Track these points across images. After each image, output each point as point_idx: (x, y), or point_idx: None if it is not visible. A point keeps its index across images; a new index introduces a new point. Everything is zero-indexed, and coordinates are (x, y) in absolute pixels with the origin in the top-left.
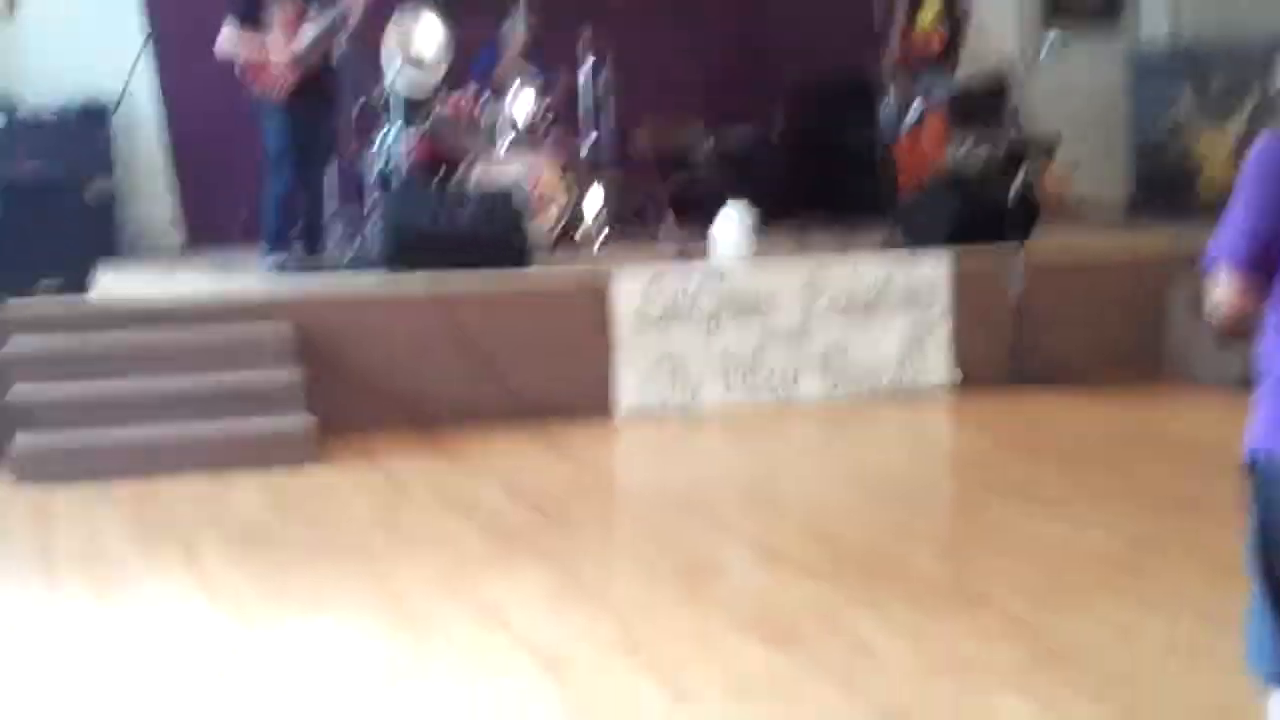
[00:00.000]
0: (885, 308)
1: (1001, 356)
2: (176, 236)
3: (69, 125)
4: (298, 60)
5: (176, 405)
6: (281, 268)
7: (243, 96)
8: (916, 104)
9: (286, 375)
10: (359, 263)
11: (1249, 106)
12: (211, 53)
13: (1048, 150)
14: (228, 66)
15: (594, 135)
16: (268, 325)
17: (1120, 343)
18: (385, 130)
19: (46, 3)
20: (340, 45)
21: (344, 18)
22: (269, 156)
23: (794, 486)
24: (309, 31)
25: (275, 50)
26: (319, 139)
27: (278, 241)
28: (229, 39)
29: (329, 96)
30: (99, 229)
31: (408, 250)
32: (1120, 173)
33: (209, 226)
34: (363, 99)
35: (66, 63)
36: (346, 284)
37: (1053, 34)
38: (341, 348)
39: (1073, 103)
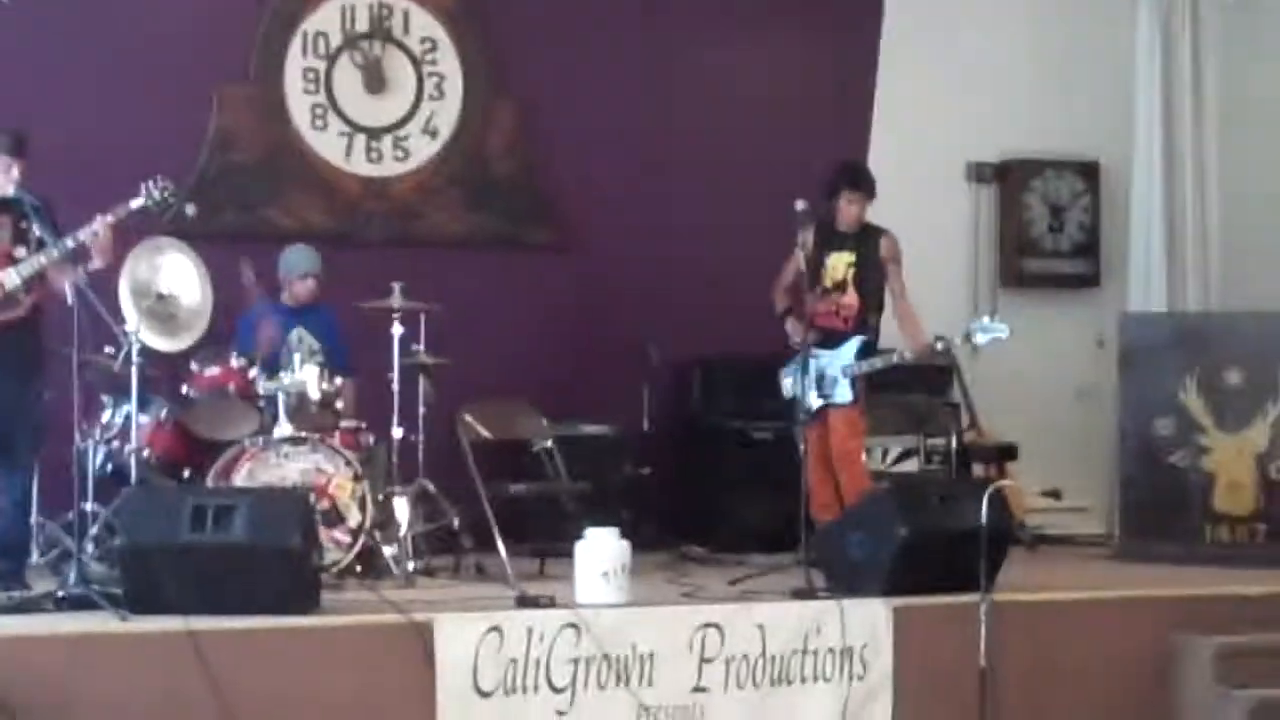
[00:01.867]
0: (803, 676)
1: None
2: None
3: None
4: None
5: None
6: None
7: None
8: (812, 394)
9: None
10: (75, 600)
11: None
12: None
13: (1004, 458)
14: None
15: (400, 429)
16: None
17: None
18: (114, 410)
19: None
20: (70, 288)
21: (79, 252)
22: None
23: None
24: (13, 274)
25: None
26: (22, 420)
27: None
28: None
29: (35, 361)
30: None
31: (144, 582)
32: (1103, 489)
33: None
34: (83, 367)
35: None
36: (57, 630)
37: (985, 324)
38: None
39: (1038, 396)
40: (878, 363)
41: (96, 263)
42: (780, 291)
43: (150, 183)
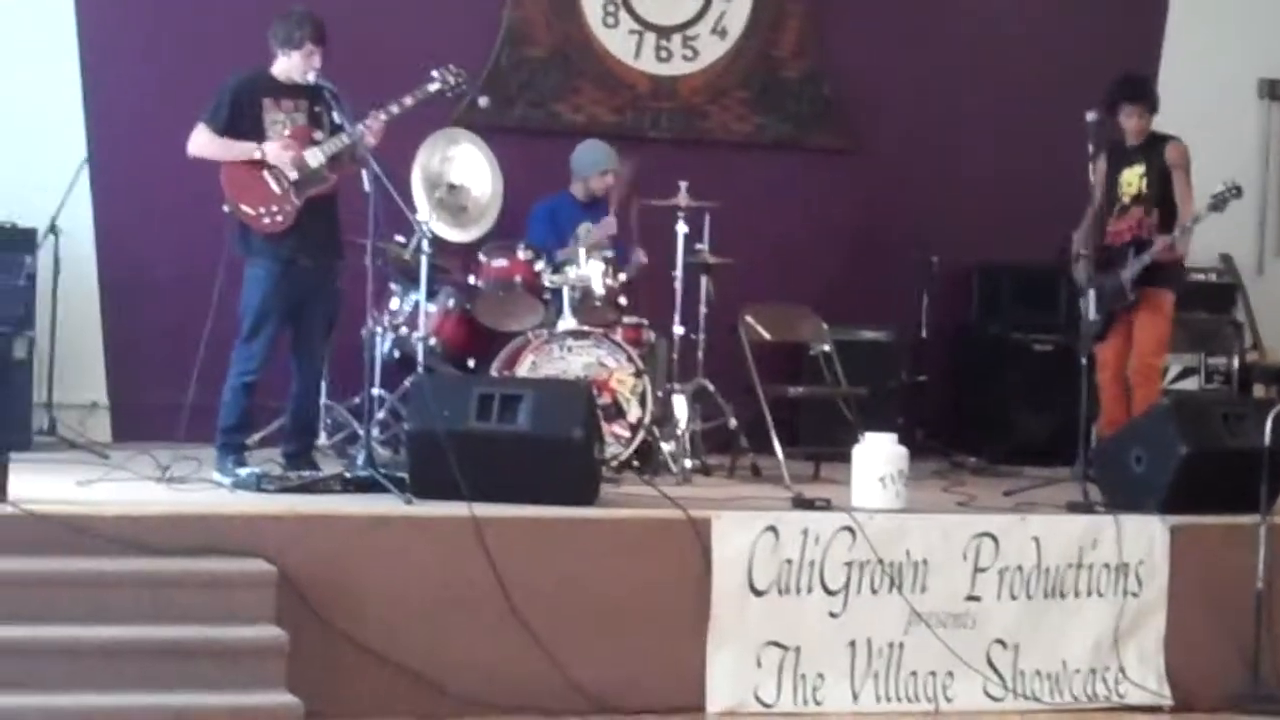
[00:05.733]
0: (1077, 590)
1: (1235, 665)
2: (105, 425)
3: None
4: (301, 186)
5: (105, 667)
6: (255, 483)
7: (209, 237)
8: (1092, 309)
9: (263, 634)
10: (361, 482)
11: None
12: (169, 188)
13: None
14: (190, 203)
15: (681, 327)
16: (237, 564)
17: None
18: (402, 298)
19: None
20: (360, 173)
21: (363, 138)
22: (243, 318)
23: None
24: (318, 153)
25: (275, 168)
26: (317, 303)
27: (237, 443)
28: (205, 140)
29: (335, 242)
30: (12, 405)
31: (429, 467)
32: None
33: (151, 414)
34: (375, 255)
35: None
36: (343, 511)
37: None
38: (338, 601)
39: None
40: (1146, 259)
41: (370, 142)
42: (1082, 234)
43: (444, 69)
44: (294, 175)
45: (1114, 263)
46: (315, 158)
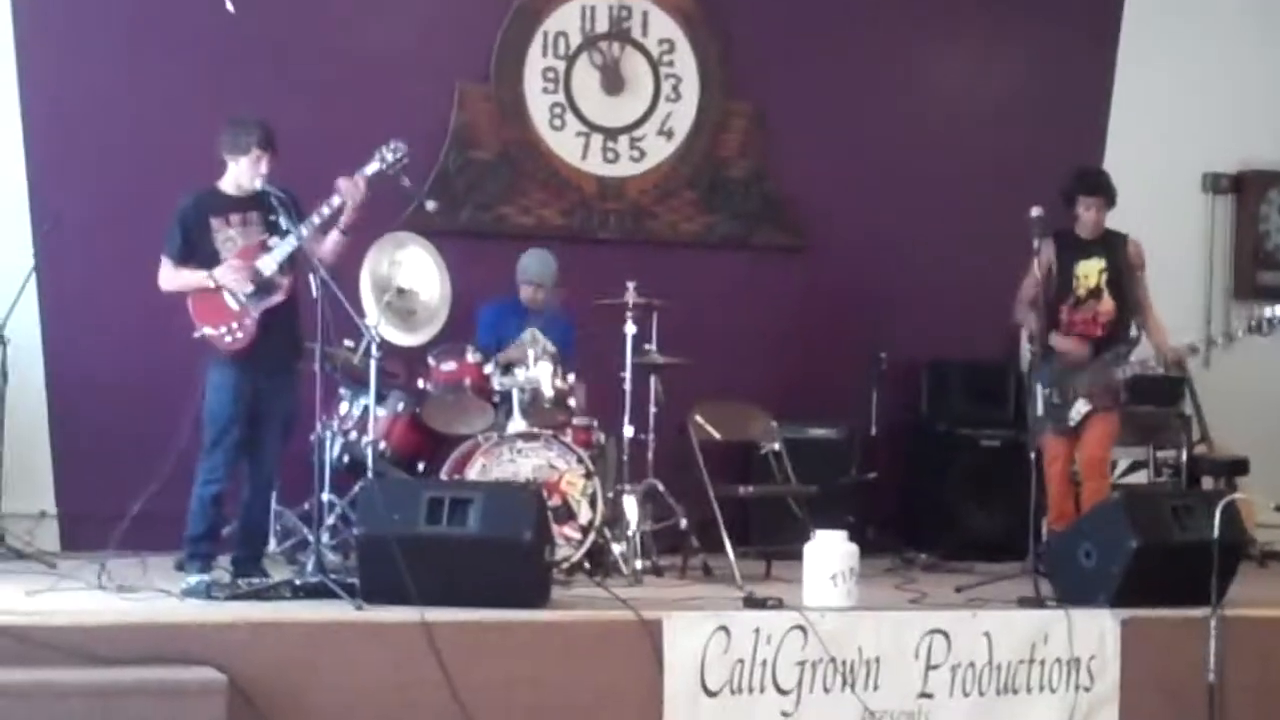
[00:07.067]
0: (1029, 686)
1: None
2: (54, 534)
3: None
4: (258, 298)
5: None
6: (204, 591)
7: (156, 346)
8: (1079, 404)
9: None
10: (312, 588)
11: None
12: (116, 297)
13: (1235, 472)
14: (137, 311)
15: (630, 428)
16: (188, 672)
17: None
18: (351, 402)
19: None
20: (323, 268)
21: (327, 224)
22: (207, 427)
23: None
24: (270, 261)
25: (232, 285)
26: (275, 409)
27: (202, 553)
28: (168, 274)
29: (295, 352)
30: None
31: (379, 572)
32: None
33: (98, 524)
34: (323, 359)
35: None
36: (294, 617)
37: (1241, 322)
38: (289, 708)
39: (1270, 410)
40: (1137, 368)
41: (350, 218)
42: (1023, 305)
43: (384, 147)
44: (249, 289)
45: (1094, 355)
46: (268, 265)
